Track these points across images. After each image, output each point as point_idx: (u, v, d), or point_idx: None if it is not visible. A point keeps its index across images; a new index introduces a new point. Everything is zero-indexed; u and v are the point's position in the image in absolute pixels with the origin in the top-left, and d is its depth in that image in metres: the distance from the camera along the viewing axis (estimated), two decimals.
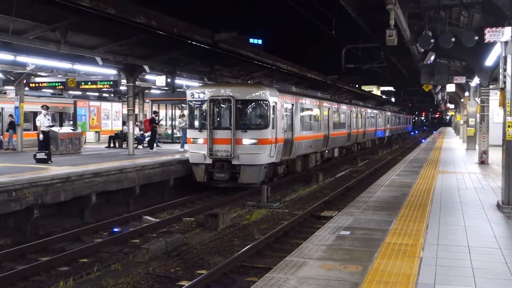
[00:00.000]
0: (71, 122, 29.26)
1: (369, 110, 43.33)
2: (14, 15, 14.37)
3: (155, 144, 25.61)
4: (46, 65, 21.40)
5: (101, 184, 15.38)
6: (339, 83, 43.27)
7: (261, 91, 19.13)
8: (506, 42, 10.46)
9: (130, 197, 16.98)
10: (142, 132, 27.72)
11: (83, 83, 22.48)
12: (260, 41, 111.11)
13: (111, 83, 21.99)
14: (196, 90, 19.79)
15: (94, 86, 22.41)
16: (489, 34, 10.83)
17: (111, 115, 30.56)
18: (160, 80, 23.65)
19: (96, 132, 30.77)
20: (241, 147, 18.62)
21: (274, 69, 28.74)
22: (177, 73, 24.08)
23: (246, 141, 18.67)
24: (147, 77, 26.09)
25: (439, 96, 52.56)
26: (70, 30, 16.61)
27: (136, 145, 25.61)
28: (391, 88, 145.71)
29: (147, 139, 26.86)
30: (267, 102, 18.96)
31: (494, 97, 21.79)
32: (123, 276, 9.69)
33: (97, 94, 33.04)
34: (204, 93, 19.30)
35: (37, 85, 23.62)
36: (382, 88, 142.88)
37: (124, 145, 26.53)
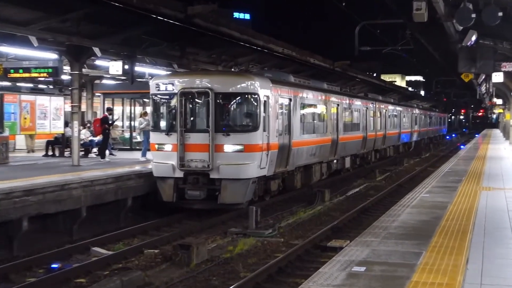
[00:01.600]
0: None
1: (390, 107, 43.49)
2: None
3: (107, 152, 25.47)
4: None
5: (35, 205, 15.24)
6: (352, 71, 43.35)
7: (248, 82, 19.12)
8: None
9: (75, 222, 16.85)
10: (91, 135, 27.59)
11: (12, 71, 22.29)
12: (247, 16, 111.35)
13: (50, 70, 21.84)
14: (162, 80, 19.72)
15: (27, 75, 22.25)
16: None
17: (50, 113, 30.34)
18: (115, 66, 23.52)
19: (30, 135, 30.56)
20: (222, 156, 18.58)
21: (266, 52, 28.72)
22: (138, 57, 23.99)
23: (229, 147, 18.63)
24: (98, 62, 25.95)
25: (483, 89, 52.77)
26: None
27: (82, 152, 25.42)
28: (419, 78, 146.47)
29: (97, 145, 26.76)
30: (256, 97, 18.95)
31: None
32: None
33: (31, 85, 32.82)
34: (173, 84, 19.25)
35: None
36: (408, 78, 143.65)
37: (66, 153, 26.37)
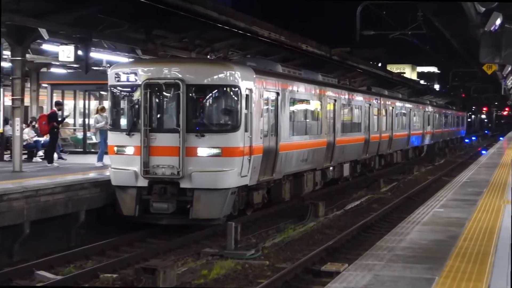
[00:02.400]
0: None
1: (398, 104, 43.65)
2: None
3: (56, 155, 25.36)
4: None
5: None
6: (352, 60, 43.49)
7: (227, 72, 19.14)
8: None
9: (15, 240, 16.79)
10: (35, 135, 27.48)
11: None
12: None
13: None
14: (123, 69, 19.70)
15: None
16: None
17: None
18: (66, 52, 23.45)
19: None
20: (195, 161, 18.60)
21: (249, 36, 28.75)
22: (94, 41, 23.93)
23: (204, 151, 18.66)
24: (45, 47, 25.84)
25: (509, 83, 53.15)
26: None
27: (25, 156, 25.28)
28: (433, 70, 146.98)
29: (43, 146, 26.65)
30: (236, 90, 18.98)
31: None
32: None
33: None
34: (136, 73, 19.24)
35: None
36: (420, 69, 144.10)
37: (6, 156, 26.25)
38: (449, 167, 45.24)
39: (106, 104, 23.13)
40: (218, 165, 18.64)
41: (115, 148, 19.50)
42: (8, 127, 26.32)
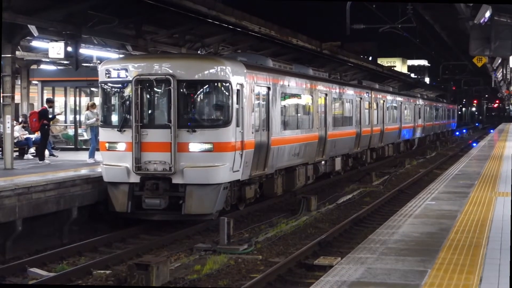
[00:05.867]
0: None
1: (389, 97, 43.71)
2: None
3: (47, 152, 25.32)
4: None
5: None
6: (343, 54, 43.53)
7: (218, 67, 19.14)
8: None
9: (8, 237, 16.76)
10: (26, 132, 27.41)
11: None
12: None
13: None
14: (114, 65, 19.66)
15: None
16: None
17: None
18: (56, 49, 23.40)
19: None
20: (186, 157, 18.60)
21: (239, 31, 28.75)
22: (84, 37, 23.87)
23: (195, 146, 18.67)
24: (35, 44, 25.79)
25: (499, 75, 53.25)
26: None
27: (17, 153, 25.23)
28: (424, 63, 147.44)
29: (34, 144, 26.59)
30: (228, 85, 18.98)
31: None
32: None
33: None
34: (127, 69, 19.21)
35: None
36: (410, 63, 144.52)
37: None
38: (440, 160, 45.33)
39: (97, 100, 23.09)
40: (210, 161, 18.66)
41: (107, 145, 19.49)
42: None
